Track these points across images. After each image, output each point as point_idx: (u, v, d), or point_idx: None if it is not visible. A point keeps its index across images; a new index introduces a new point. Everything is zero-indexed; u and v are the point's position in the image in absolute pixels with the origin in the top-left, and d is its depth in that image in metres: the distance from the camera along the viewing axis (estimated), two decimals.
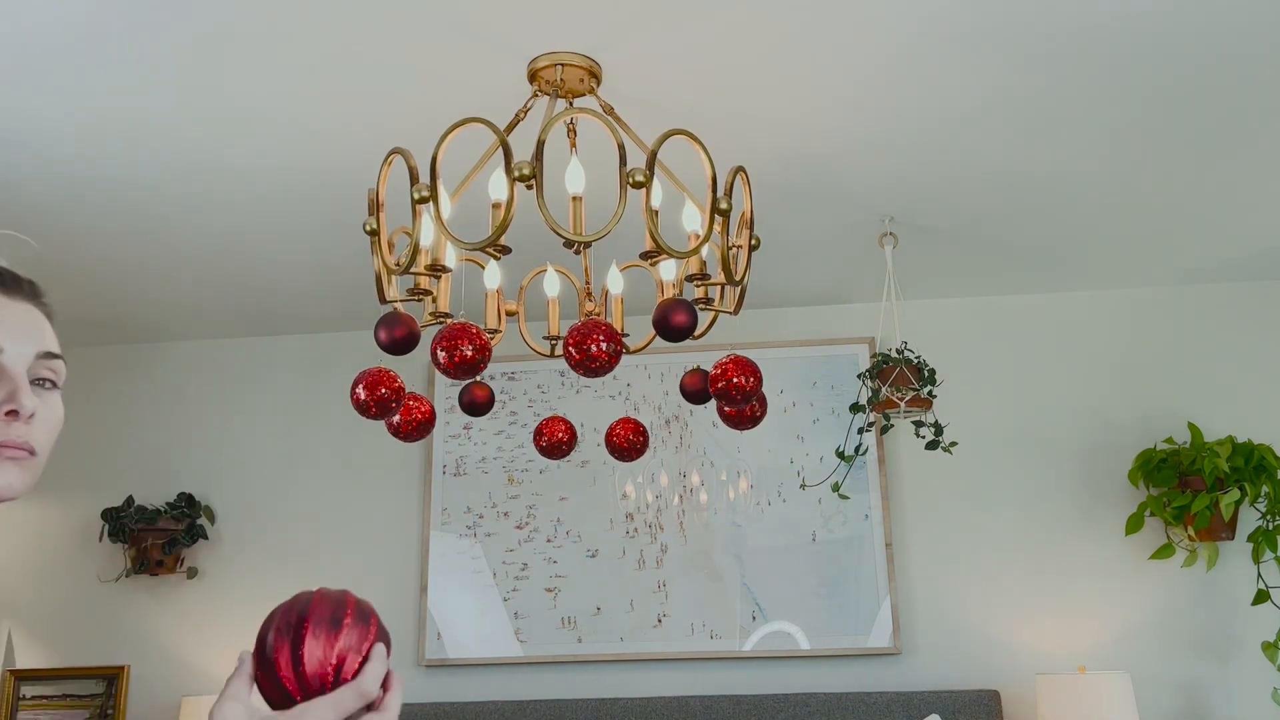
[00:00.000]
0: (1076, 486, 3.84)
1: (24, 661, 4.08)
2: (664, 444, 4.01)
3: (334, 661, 0.98)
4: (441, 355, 2.06)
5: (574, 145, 2.41)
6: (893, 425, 3.47)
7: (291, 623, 0.99)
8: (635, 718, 3.62)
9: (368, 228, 2.14)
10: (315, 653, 0.98)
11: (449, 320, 2.26)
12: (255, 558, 4.10)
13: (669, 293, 2.40)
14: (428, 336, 3.80)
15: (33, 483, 0.99)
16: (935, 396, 3.36)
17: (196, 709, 3.65)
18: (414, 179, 1.99)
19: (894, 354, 3.30)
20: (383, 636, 1.02)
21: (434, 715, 3.69)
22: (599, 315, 2.54)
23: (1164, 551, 3.60)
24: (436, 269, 2.14)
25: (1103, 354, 3.95)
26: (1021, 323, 4.01)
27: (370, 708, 0.99)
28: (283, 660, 0.98)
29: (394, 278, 2.20)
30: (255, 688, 1.00)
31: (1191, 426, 3.68)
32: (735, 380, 2.22)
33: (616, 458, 2.64)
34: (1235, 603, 3.65)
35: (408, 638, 3.96)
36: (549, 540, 3.97)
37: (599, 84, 2.49)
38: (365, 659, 1.00)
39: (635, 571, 3.91)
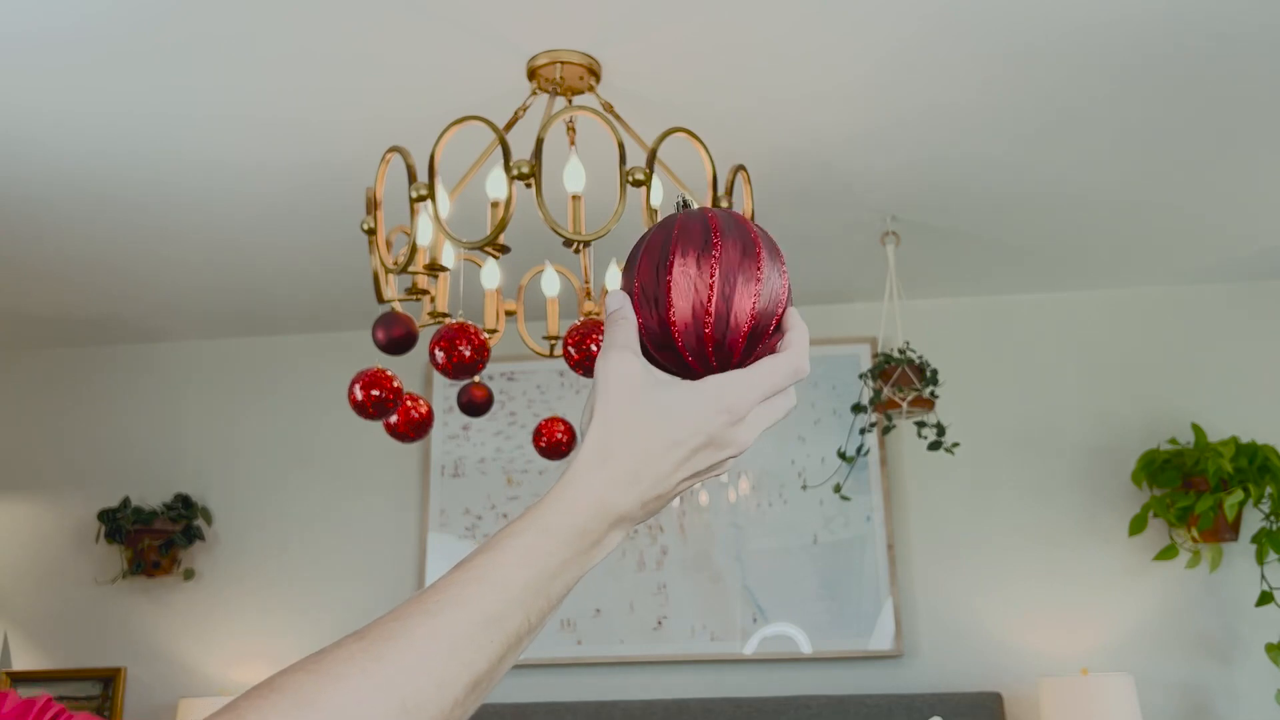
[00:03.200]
0: (1079, 487, 3.82)
1: (20, 663, 4.06)
2: None
3: (749, 323, 0.72)
4: (439, 355, 2.04)
5: (573, 143, 2.39)
6: (895, 426, 3.45)
7: (691, 272, 0.71)
8: None
9: (365, 226, 2.12)
10: (730, 313, 0.71)
11: (447, 320, 2.24)
12: (252, 559, 4.08)
13: None
14: (426, 336, 3.78)
15: None
16: (937, 397, 3.34)
17: (194, 711, 3.63)
18: (412, 177, 1.97)
19: (896, 354, 3.28)
20: (789, 285, 0.76)
21: None
22: (599, 315, 2.52)
23: (1167, 553, 3.58)
24: (435, 268, 2.12)
25: (1106, 354, 3.93)
26: (1025, 323, 3.99)
27: None
28: (679, 323, 0.71)
29: (392, 277, 2.18)
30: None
31: (1195, 427, 3.66)
32: None
33: None
34: (1239, 604, 3.63)
35: None
36: None
37: (598, 82, 2.48)
38: (781, 321, 0.74)
39: (635, 573, 3.89)
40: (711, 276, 0.71)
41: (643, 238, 0.76)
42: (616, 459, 0.70)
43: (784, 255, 0.75)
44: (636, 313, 0.74)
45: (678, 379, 0.72)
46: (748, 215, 2.21)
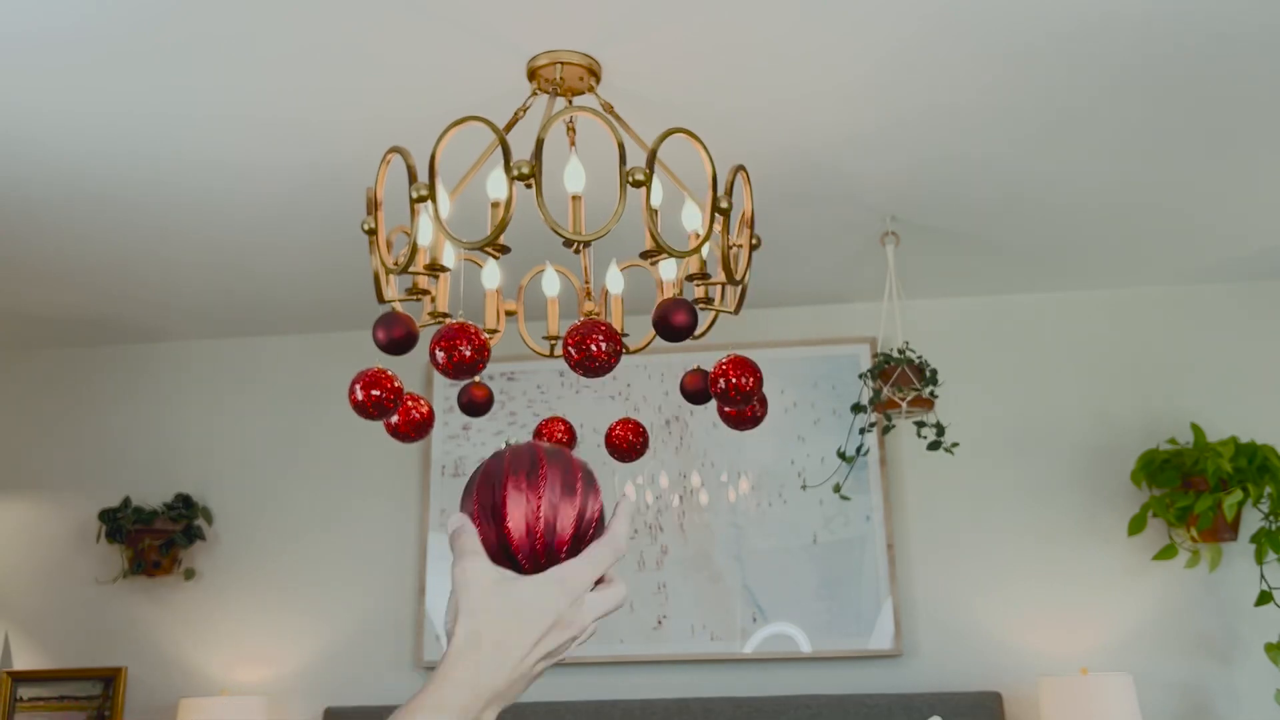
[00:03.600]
0: (1079, 487, 3.82)
1: (21, 663, 4.06)
2: (664, 445, 3.99)
3: (572, 529, 0.88)
4: (440, 355, 2.04)
5: (573, 144, 2.39)
6: (894, 426, 3.45)
7: (523, 486, 0.88)
8: None
9: (366, 227, 2.12)
10: (556, 521, 0.87)
11: (447, 320, 2.24)
12: (253, 559, 4.08)
13: (669, 292, 2.38)
14: (426, 336, 3.78)
15: None
16: (937, 397, 3.34)
17: (194, 711, 3.63)
18: (412, 178, 1.97)
19: (896, 354, 3.28)
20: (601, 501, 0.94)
21: None
22: (599, 315, 2.52)
23: (1167, 552, 3.58)
24: (435, 268, 2.12)
25: (1106, 354, 3.93)
26: (1024, 323, 4.00)
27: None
28: (514, 530, 0.87)
29: (392, 277, 2.18)
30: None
31: (1194, 427, 3.66)
32: (735, 380, 2.20)
33: (616, 459, 2.61)
34: (1238, 604, 3.63)
35: (406, 640, 3.94)
36: None
37: (598, 82, 2.48)
38: (600, 521, 0.91)
39: (635, 573, 3.89)
40: (539, 491, 0.87)
41: (476, 470, 0.91)
42: (484, 644, 0.83)
43: (597, 478, 0.92)
44: (477, 527, 0.88)
45: (521, 575, 0.87)
46: (747, 215, 2.21)
